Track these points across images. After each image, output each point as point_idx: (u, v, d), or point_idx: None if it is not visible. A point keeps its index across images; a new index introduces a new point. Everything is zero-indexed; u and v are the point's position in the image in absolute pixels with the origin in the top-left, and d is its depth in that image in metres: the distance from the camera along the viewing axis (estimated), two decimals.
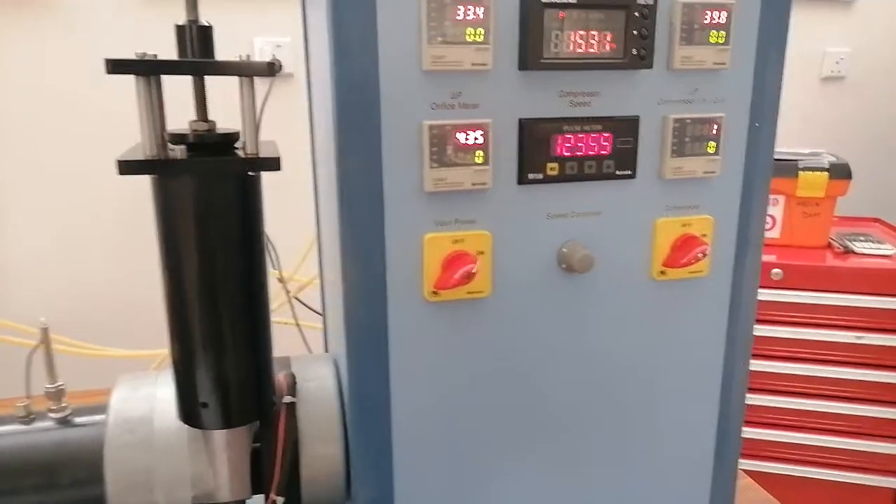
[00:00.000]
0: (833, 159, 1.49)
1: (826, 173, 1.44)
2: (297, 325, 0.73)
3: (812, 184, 1.44)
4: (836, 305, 1.41)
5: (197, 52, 0.43)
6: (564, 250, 0.49)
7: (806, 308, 1.42)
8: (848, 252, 1.47)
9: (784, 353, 1.45)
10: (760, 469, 1.48)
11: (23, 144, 1.43)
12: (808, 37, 1.89)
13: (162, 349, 0.91)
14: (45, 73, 1.40)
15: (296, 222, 0.82)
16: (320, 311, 0.74)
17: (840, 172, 1.45)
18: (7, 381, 0.76)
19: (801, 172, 1.44)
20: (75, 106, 1.43)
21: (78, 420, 0.55)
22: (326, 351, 0.74)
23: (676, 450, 0.57)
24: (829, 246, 1.50)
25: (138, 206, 1.46)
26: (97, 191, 1.47)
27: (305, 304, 0.79)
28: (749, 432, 1.45)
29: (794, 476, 1.49)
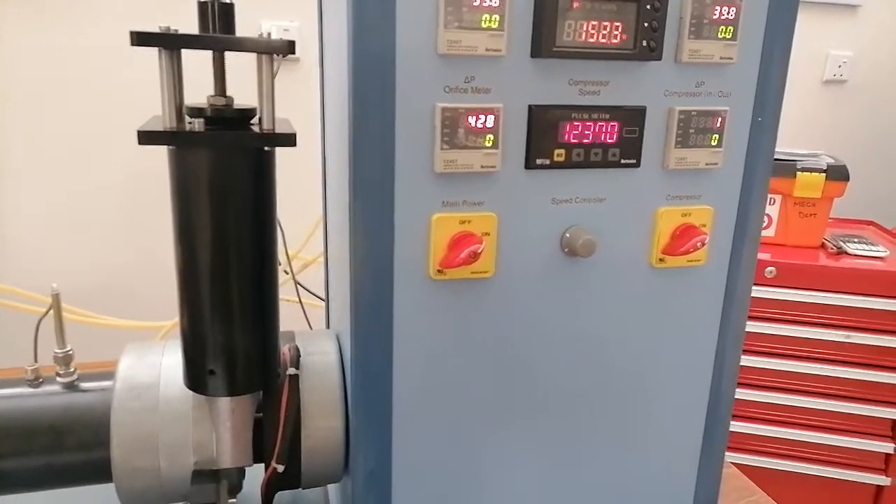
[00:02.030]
0: (831, 161, 1.50)
1: (823, 174, 1.46)
2: (300, 302, 0.75)
3: (809, 184, 1.46)
4: (827, 304, 1.43)
5: (218, 28, 0.44)
6: (567, 235, 0.50)
7: (797, 306, 1.45)
8: (841, 253, 1.49)
9: (774, 349, 1.48)
10: (746, 462, 1.51)
11: (31, 121, 1.43)
12: (811, 40, 1.90)
13: (167, 321, 0.93)
14: (55, 53, 1.40)
15: (300, 203, 0.83)
16: (323, 289, 0.75)
17: (837, 174, 1.47)
18: (15, 351, 0.78)
19: (798, 173, 1.46)
20: (82, 84, 1.43)
21: (85, 385, 0.56)
22: (328, 328, 0.75)
23: (666, 433, 0.59)
24: (823, 246, 1.52)
25: (143, 182, 1.47)
26: (103, 166, 1.47)
27: (305, 288, 0.80)
28: (736, 426, 1.48)
29: (777, 470, 1.52)
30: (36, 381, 0.55)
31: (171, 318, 0.87)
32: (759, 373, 1.49)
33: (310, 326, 0.79)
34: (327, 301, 0.74)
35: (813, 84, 1.96)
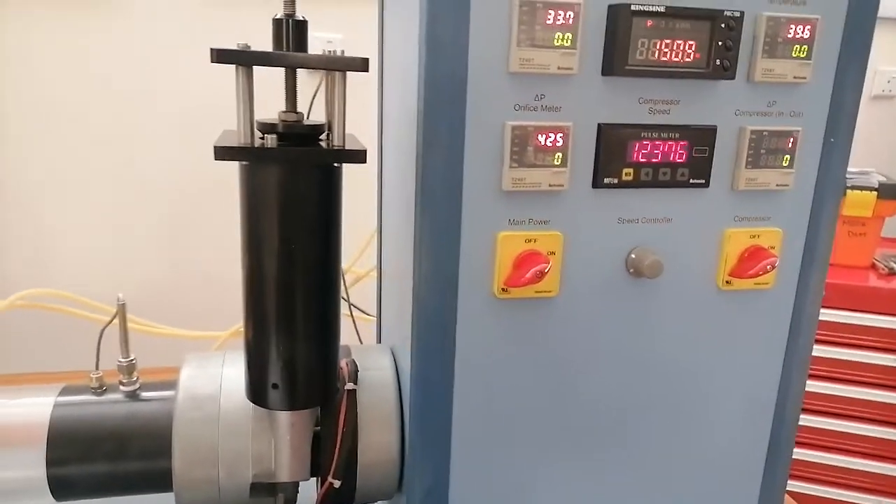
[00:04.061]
0: (882, 179, 1.46)
1: (874, 193, 1.42)
2: (352, 316, 0.75)
3: (860, 203, 1.42)
4: (876, 327, 1.39)
5: (292, 45, 0.44)
6: (633, 255, 0.50)
7: (846, 328, 1.40)
8: (892, 273, 1.45)
9: (820, 372, 1.44)
10: (793, 489, 1.47)
11: (97, 139, 1.46)
12: None
13: (222, 331, 0.93)
14: (104, 68, 1.44)
15: (351, 217, 0.84)
16: (369, 303, 0.75)
17: (889, 192, 1.42)
18: (73, 355, 0.79)
19: (848, 191, 1.42)
20: (141, 99, 1.46)
21: (147, 394, 0.57)
22: (379, 342, 0.75)
23: (727, 459, 0.57)
24: (873, 266, 1.48)
25: (187, 191, 1.49)
26: (159, 181, 1.50)
27: (356, 306, 0.80)
28: None
29: (827, 498, 1.47)
30: (100, 389, 0.56)
31: (222, 328, 0.88)
32: (805, 396, 1.44)
33: (360, 341, 0.80)
34: (379, 316, 0.74)
35: (862, 100, 1.91)
